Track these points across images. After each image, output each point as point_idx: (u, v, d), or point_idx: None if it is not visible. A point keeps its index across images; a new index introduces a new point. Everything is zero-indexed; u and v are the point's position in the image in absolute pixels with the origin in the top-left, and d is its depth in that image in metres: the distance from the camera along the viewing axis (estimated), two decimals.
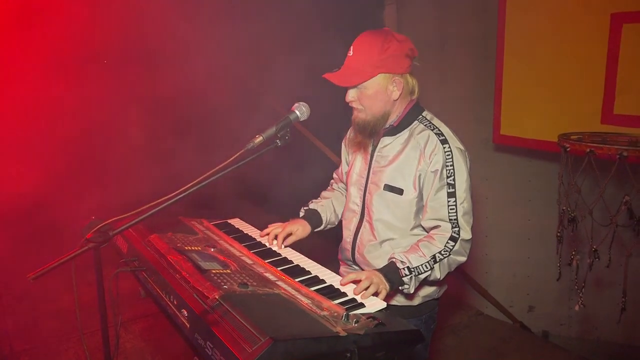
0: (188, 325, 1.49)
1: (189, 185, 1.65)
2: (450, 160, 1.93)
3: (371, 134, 2.02)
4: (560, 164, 2.85)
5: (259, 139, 1.75)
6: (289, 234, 2.22)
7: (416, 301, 2.10)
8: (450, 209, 1.93)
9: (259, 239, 2.24)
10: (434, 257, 1.89)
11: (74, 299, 1.65)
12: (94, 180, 6.07)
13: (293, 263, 2.01)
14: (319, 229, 2.34)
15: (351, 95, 1.98)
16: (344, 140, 2.34)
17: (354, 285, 1.78)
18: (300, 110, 1.86)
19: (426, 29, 4.62)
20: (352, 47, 1.96)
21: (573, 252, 2.83)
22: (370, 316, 1.53)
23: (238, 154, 1.69)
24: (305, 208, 2.37)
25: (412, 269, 1.85)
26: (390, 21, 4.77)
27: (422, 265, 1.87)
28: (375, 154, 2.09)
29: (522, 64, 3.69)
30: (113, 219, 1.60)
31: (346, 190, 2.28)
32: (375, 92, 1.94)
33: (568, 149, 2.73)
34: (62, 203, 6.12)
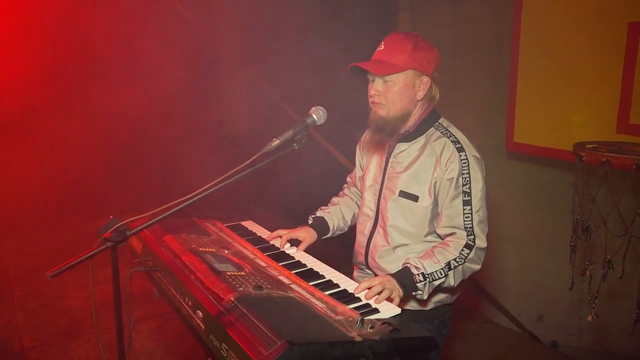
0: (203, 327, 1.49)
1: (206, 187, 1.66)
2: (467, 168, 1.93)
3: (389, 133, 2.01)
4: (574, 173, 2.83)
5: (275, 142, 1.76)
6: (296, 240, 2.23)
7: (429, 306, 2.10)
8: (466, 217, 1.93)
9: (272, 242, 2.25)
10: (448, 264, 1.89)
11: (84, 297, 1.66)
12: (103, 181, 6.14)
13: (307, 266, 2.01)
14: (326, 236, 2.35)
15: (378, 87, 1.97)
16: (358, 144, 2.34)
17: (368, 290, 1.78)
18: (318, 115, 1.87)
19: (440, 34, 4.61)
20: (383, 42, 1.97)
21: (587, 262, 2.81)
22: (385, 322, 1.52)
23: (255, 156, 1.70)
24: (312, 216, 2.38)
25: (427, 275, 1.85)
26: (405, 27, 4.77)
27: (436, 271, 1.86)
28: (391, 159, 2.09)
29: (536, 70, 3.67)
30: (130, 219, 1.61)
31: (361, 194, 2.28)
32: (403, 88, 1.94)
33: (584, 158, 2.71)
34: (73, 202, 6.20)
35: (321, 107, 1.89)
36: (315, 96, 2.07)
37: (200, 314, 1.52)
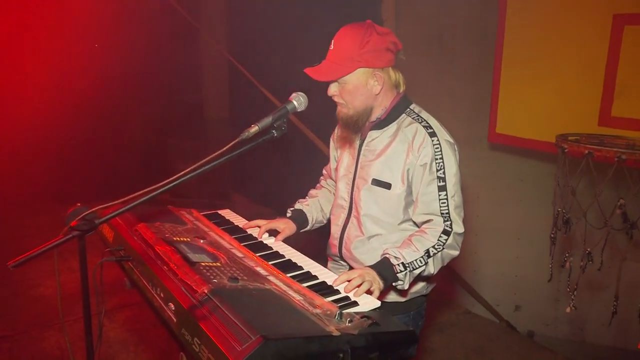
0: (175, 320, 1.43)
1: (180, 174, 1.59)
2: (440, 153, 1.90)
3: (355, 129, 1.99)
4: (556, 165, 2.82)
5: (254, 128, 1.68)
6: (274, 231, 2.19)
7: (405, 297, 2.07)
8: (442, 203, 1.90)
9: (249, 232, 2.19)
10: (427, 251, 1.86)
11: (56, 286, 1.60)
12: (74, 167, 6.00)
13: (285, 257, 1.96)
14: (305, 229, 2.31)
15: (333, 89, 1.95)
16: (332, 136, 2.31)
17: (347, 283, 1.74)
18: (298, 101, 1.81)
19: (424, 23, 4.57)
20: (333, 40, 1.92)
21: (566, 254, 2.81)
22: (364, 315, 1.48)
23: (232, 143, 1.63)
24: (291, 209, 2.33)
25: (407, 265, 1.82)
26: (388, 15, 4.71)
27: (416, 260, 1.83)
28: (363, 147, 2.05)
29: (520, 61, 3.65)
30: (99, 207, 1.54)
31: (335, 186, 2.25)
32: (356, 87, 1.91)
33: (566, 150, 2.70)
34: (43, 188, 6.05)
35: (302, 93, 1.83)
36: (296, 82, 2.01)
37: (172, 306, 1.46)
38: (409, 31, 4.64)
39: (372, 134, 2.02)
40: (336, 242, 2.16)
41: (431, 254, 1.86)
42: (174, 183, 1.57)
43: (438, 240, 1.88)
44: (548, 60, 3.44)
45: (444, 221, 1.90)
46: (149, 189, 1.55)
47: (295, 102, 1.80)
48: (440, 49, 4.51)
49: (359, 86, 1.91)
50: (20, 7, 5.43)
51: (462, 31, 4.36)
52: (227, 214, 2.40)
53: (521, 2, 3.61)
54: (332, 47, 1.92)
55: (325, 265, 1.97)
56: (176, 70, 6.35)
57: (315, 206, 2.34)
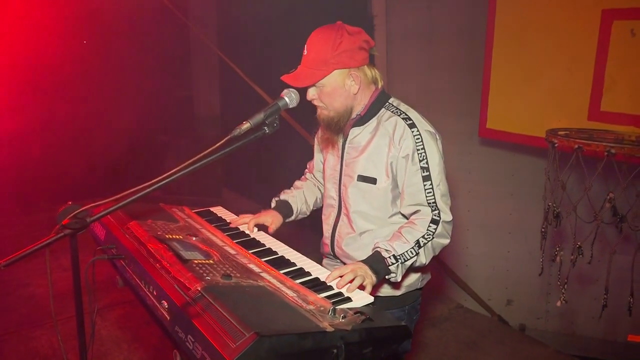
0: (168, 318, 1.43)
1: (172, 171, 1.58)
2: (421, 143, 1.91)
3: (337, 129, 2.01)
4: (546, 160, 2.84)
5: (246, 125, 1.68)
6: (262, 225, 2.20)
7: (400, 291, 2.08)
8: (428, 193, 1.91)
9: (242, 229, 2.19)
10: (417, 242, 1.87)
11: (48, 284, 1.59)
12: (64, 165, 5.95)
13: (277, 254, 1.96)
14: (290, 219, 2.33)
15: (311, 93, 1.95)
16: (316, 136, 2.32)
17: (340, 279, 1.74)
18: (290, 97, 1.81)
19: (415, 18, 4.57)
20: (306, 45, 1.92)
21: (557, 248, 2.83)
22: (357, 311, 1.49)
23: (224, 140, 1.62)
24: (276, 199, 2.35)
25: (398, 257, 1.82)
26: (379, 9, 4.70)
27: (407, 251, 1.84)
28: (346, 145, 2.06)
29: (510, 57, 3.67)
30: (91, 205, 1.53)
31: (323, 185, 2.26)
32: (333, 89, 1.91)
33: (556, 145, 2.72)
34: (35, 186, 6.00)
35: (293, 90, 1.84)
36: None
37: (166, 304, 1.45)
38: (400, 26, 4.64)
39: (354, 131, 2.04)
40: (328, 241, 2.18)
41: (421, 244, 1.87)
42: (166, 181, 1.56)
43: (427, 230, 1.89)
44: (538, 56, 3.45)
45: (432, 210, 1.91)
46: (140, 186, 1.54)
47: (286, 99, 1.80)
48: (431, 44, 4.52)
49: (336, 88, 1.92)
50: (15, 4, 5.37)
51: (452, 26, 4.37)
52: (219, 210, 2.39)
53: None
54: (305, 52, 1.92)
55: (319, 262, 1.97)
56: (167, 67, 6.32)
57: (299, 197, 2.36)
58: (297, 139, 4.81)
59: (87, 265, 1.67)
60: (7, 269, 1.37)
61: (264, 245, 2.04)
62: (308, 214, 2.40)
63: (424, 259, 1.89)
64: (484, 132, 3.95)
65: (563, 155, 2.74)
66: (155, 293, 1.53)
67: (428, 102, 4.26)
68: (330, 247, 2.17)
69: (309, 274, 1.80)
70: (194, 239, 1.91)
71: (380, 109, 2.01)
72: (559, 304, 2.84)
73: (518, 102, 3.65)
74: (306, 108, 2.01)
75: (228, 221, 2.25)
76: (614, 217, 2.65)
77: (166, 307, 1.45)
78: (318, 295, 1.59)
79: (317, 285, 1.70)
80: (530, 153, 3.95)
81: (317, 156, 2.35)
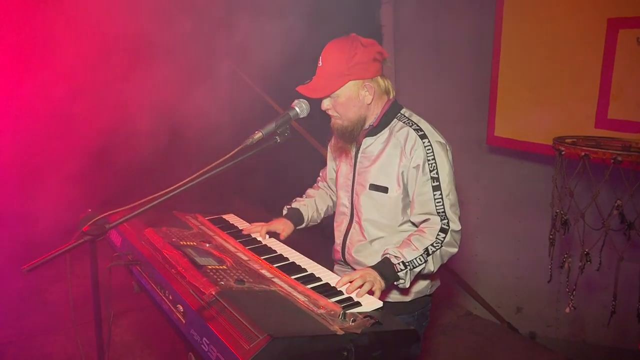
0: (184, 321, 1.48)
1: (186, 180, 1.64)
2: (431, 154, 1.95)
3: (350, 138, 2.06)
4: (554, 167, 2.87)
5: (258, 134, 1.74)
6: (274, 232, 2.25)
7: (409, 297, 2.12)
8: (437, 202, 1.95)
9: (253, 235, 2.24)
10: (426, 249, 1.91)
11: (61, 291, 1.64)
12: (79, 174, 6.02)
13: (289, 260, 2.00)
14: (300, 227, 2.38)
15: (326, 104, 2.00)
16: (329, 145, 2.36)
17: (349, 284, 1.78)
18: (300, 107, 1.86)
19: (422, 28, 4.63)
20: (320, 57, 1.98)
21: (565, 255, 2.85)
22: (366, 315, 1.53)
23: (237, 149, 1.68)
24: (288, 207, 2.40)
25: (407, 263, 1.86)
26: (387, 20, 4.77)
27: (416, 258, 1.88)
28: (359, 155, 2.11)
29: (517, 65, 3.70)
30: (109, 212, 1.59)
31: (336, 194, 2.31)
32: (348, 99, 1.96)
33: (563, 153, 2.75)
34: (46, 196, 6.06)
35: (304, 100, 1.89)
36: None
37: (181, 308, 1.50)
38: (407, 35, 4.70)
39: (367, 141, 2.08)
40: (339, 248, 2.22)
41: (430, 252, 1.91)
42: (181, 189, 1.62)
43: (436, 238, 1.93)
44: (545, 64, 3.49)
45: (441, 220, 1.95)
46: (156, 194, 1.60)
47: (297, 109, 1.86)
48: (438, 53, 4.56)
49: (351, 98, 1.96)
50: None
51: (459, 35, 4.41)
52: (231, 218, 2.45)
53: (517, 7, 3.67)
54: (320, 63, 1.97)
55: (329, 268, 2.02)
56: (182, 77, 6.38)
57: (311, 206, 2.40)
58: (308, 149, 4.86)
59: (104, 270, 1.72)
60: (20, 276, 1.42)
61: (275, 251, 2.09)
62: (319, 221, 2.44)
63: (432, 266, 1.93)
64: (492, 140, 3.98)
65: (570, 163, 2.77)
66: (170, 297, 1.58)
67: (436, 110, 4.29)
68: (341, 253, 2.21)
69: (319, 279, 1.84)
70: (207, 245, 1.96)
71: (393, 119, 2.05)
72: (567, 310, 2.85)
73: (525, 110, 3.68)
74: (317, 117, 2.06)
75: (240, 228, 2.30)
76: (621, 224, 2.67)
77: (182, 311, 1.50)
78: (328, 300, 1.63)
79: (328, 290, 1.74)
80: (538, 160, 3.97)
81: (330, 164, 2.39)
